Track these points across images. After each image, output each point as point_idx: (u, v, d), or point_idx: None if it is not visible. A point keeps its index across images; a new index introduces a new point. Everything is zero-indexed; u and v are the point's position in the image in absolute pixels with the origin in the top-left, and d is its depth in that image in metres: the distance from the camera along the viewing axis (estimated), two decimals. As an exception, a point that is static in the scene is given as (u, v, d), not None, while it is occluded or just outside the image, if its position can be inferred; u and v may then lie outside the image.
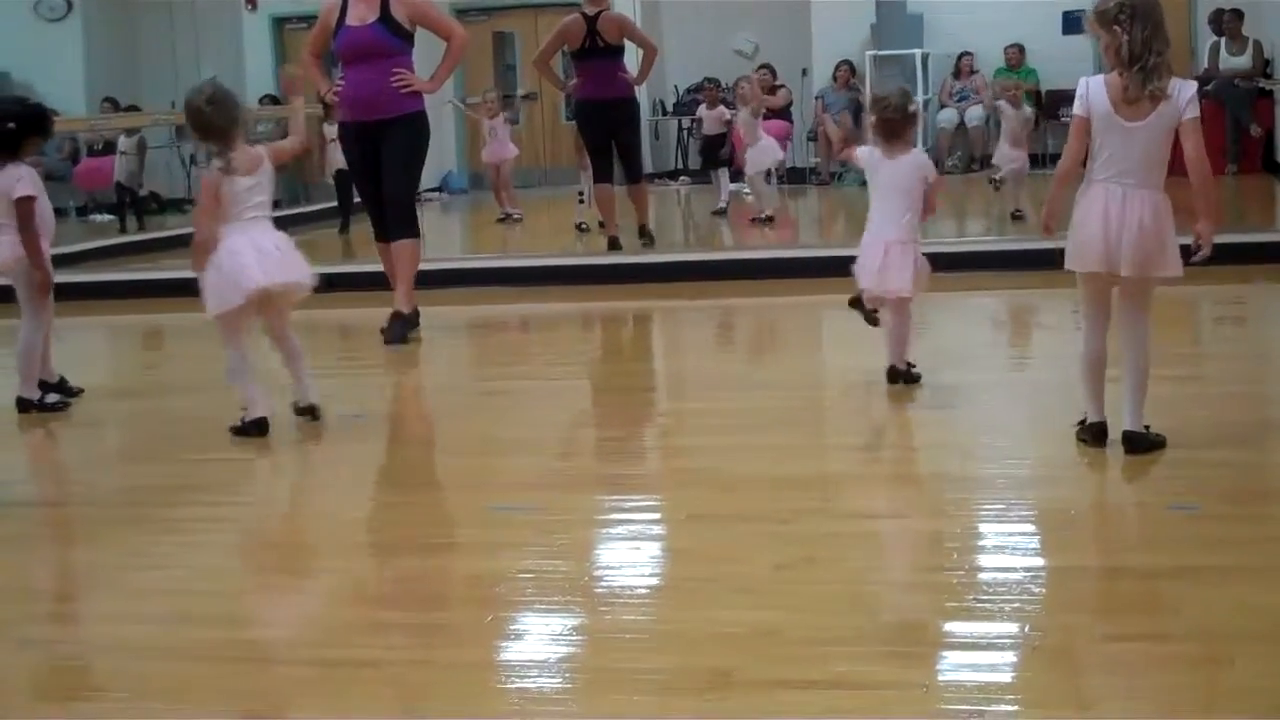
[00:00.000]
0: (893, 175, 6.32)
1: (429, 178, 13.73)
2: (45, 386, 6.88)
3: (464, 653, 3.74)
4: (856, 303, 6.58)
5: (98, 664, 3.87)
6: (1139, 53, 4.88)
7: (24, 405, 6.76)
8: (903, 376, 6.42)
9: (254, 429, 6.02)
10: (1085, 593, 3.97)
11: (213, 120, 5.99)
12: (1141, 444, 5.12)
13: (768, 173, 13.81)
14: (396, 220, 8.35)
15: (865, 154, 6.45)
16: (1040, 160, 14.61)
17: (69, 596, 4.56)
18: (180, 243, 14.08)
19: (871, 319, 6.58)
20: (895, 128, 6.34)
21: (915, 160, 6.41)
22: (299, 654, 3.82)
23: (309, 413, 6.30)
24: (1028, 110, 12.62)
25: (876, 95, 6.77)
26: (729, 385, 7.11)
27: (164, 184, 17.90)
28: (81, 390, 7.07)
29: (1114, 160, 5.01)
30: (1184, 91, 4.93)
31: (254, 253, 5.96)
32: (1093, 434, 5.22)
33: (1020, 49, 17.69)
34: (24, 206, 6.57)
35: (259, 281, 5.93)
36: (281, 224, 6.70)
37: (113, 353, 7.36)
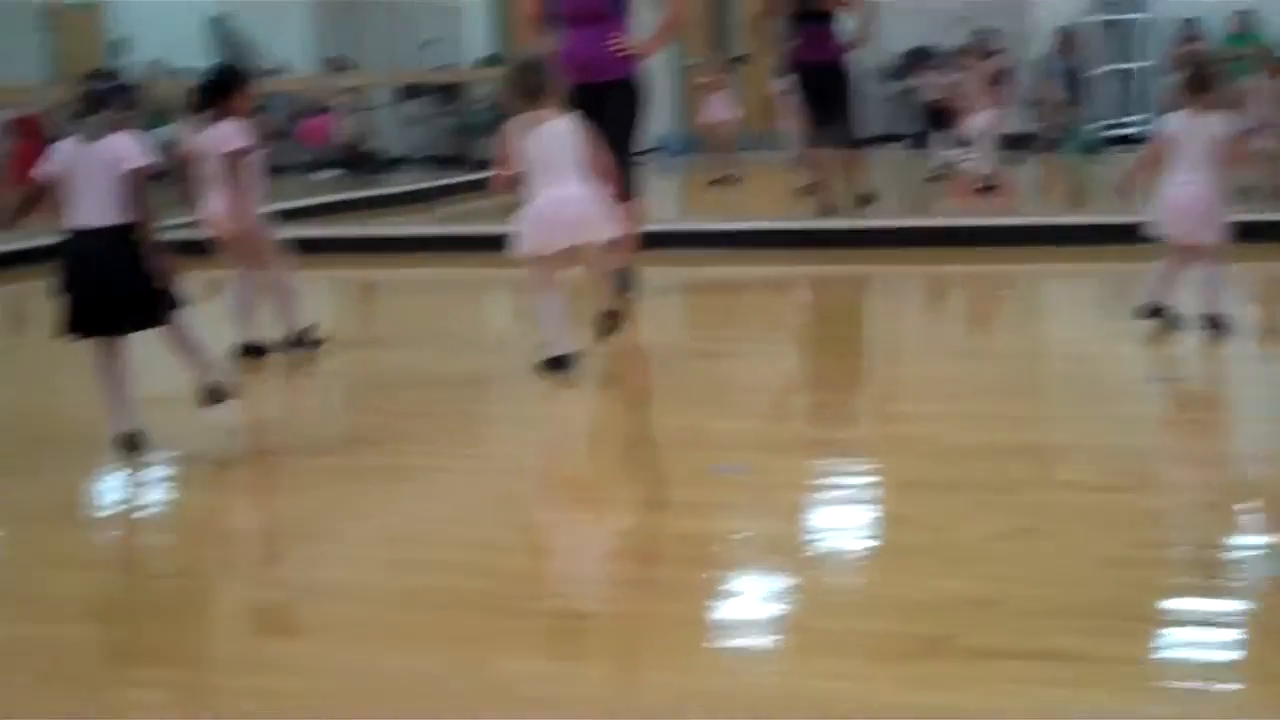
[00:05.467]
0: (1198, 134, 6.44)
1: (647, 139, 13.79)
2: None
3: (677, 609, 3.76)
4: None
5: (317, 607, 3.97)
6: None
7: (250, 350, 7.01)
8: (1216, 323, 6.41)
9: (553, 365, 6.32)
10: (1314, 573, 3.86)
11: (533, 79, 6.53)
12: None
13: (993, 140, 13.47)
14: (620, 181, 8.37)
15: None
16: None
17: (290, 542, 4.67)
18: (399, 200, 14.46)
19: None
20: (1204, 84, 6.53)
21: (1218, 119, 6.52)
22: (515, 604, 3.87)
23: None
24: None
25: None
26: (946, 352, 7.03)
27: (385, 144, 18.21)
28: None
29: None
30: None
31: (567, 208, 6.35)
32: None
33: (1247, 15, 17.11)
34: (234, 159, 6.78)
35: (566, 237, 6.37)
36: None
37: (334, 306, 7.52)
